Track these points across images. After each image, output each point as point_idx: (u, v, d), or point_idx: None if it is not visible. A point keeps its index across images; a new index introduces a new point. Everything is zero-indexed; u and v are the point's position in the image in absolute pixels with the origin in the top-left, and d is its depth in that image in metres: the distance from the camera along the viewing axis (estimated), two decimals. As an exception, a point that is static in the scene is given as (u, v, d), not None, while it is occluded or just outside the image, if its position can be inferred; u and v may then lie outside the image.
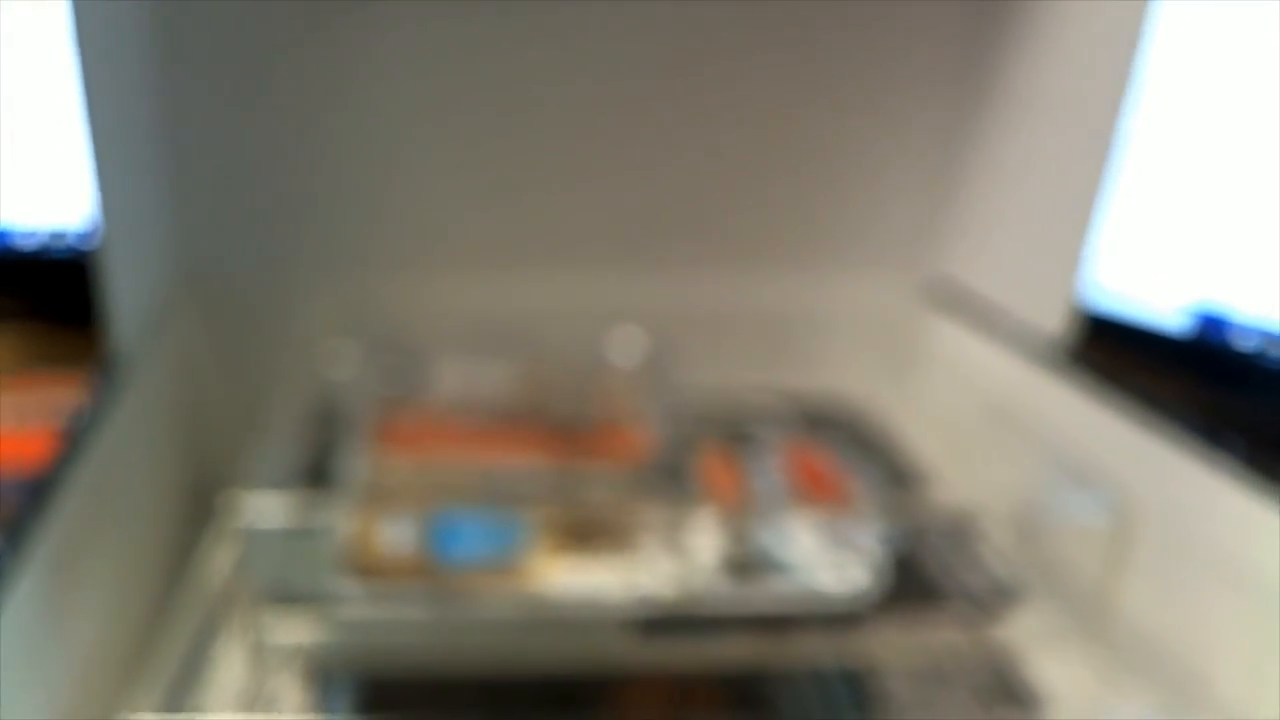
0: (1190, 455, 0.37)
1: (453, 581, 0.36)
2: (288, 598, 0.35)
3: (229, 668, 0.36)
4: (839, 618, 0.37)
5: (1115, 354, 0.46)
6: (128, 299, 0.41)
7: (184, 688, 0.34)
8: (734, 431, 0.47)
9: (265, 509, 0.34)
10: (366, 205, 0.50)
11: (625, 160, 0.51)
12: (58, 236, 0.50)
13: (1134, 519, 0.34)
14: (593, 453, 0.45)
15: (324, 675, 0.36)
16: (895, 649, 0.37)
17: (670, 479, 0.43)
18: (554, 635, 0.35)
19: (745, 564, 0.38)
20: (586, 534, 0.39)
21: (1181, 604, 0.36)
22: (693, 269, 0.54)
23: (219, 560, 0.36)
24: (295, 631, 0.36)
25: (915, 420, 0.51)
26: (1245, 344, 0.46)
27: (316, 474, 0.41)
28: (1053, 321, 0.48)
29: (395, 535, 0.37)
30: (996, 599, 0.37)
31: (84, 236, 0.46)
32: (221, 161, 0.49)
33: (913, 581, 0.38)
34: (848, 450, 0.46)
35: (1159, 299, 0.48)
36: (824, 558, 0.38)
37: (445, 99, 0.49)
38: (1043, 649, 0.37)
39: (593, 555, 0.38)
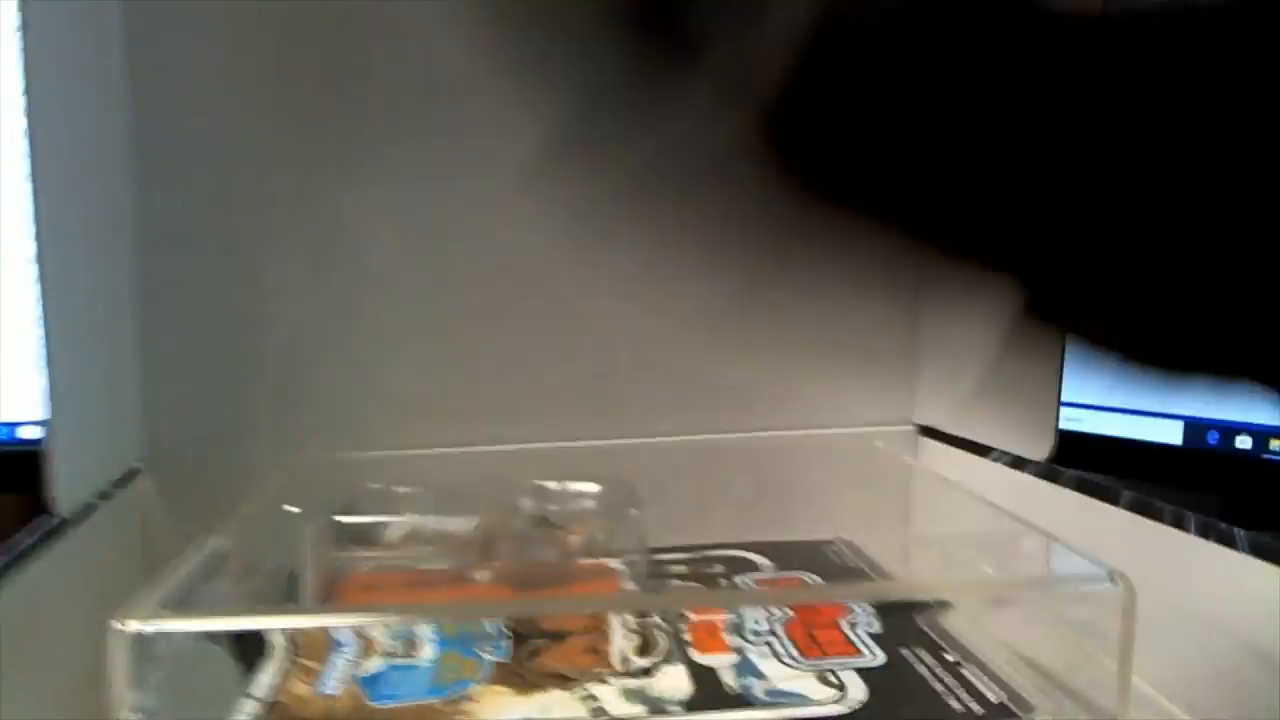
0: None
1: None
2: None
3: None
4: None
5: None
6: (75, 471, 0.40)
7: None
8: (710, 577, 0.44)
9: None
10: (337, 376, 0.50)
11: (599, 315, 0.52)
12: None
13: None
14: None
15: None
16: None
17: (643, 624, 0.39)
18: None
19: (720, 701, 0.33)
20: (542, 677, 0.35)
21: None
22: (666, 426, 0.52)
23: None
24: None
25: (909, 552, 0.48)
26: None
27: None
28: (1041, 450, 0.46)
29: (325, 681, 0.34)
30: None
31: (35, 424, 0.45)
32: (193, 336, 0.49)
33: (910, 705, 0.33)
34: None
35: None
36: (809, 685, 0.34)
37: (416, 262, 0.50)
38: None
39: (549, 694, 0.34)
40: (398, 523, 0.43)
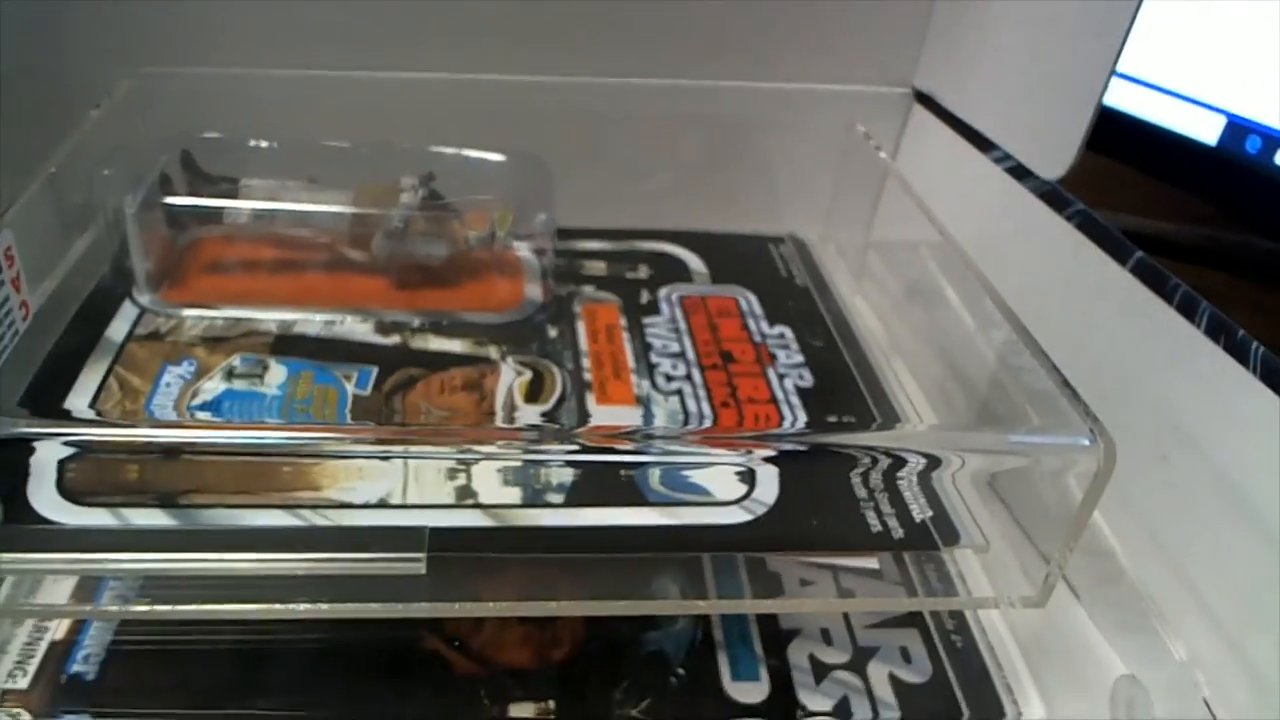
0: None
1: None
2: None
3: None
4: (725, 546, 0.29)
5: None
6: None
7: None
8: (632, 285, 0.38)
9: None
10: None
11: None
12: None
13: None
14: (444, 303, 0.35)
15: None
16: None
17: (539, 344, 0.34)
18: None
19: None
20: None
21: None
22: (607, 64, 0.42)
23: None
24: None
25: (875, 269, 0.41)
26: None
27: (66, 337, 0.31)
28: (1055, 167, 0.37)
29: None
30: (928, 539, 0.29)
31: None
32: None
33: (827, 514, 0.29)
34: (776, 317, 0.36)
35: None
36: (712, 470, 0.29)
37: None
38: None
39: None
40: (249, 191, 0.35)
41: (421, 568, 0.26)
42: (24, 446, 0.23)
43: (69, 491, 0.25)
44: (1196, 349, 0.30)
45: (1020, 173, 0.39)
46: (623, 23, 0.41)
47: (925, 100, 0.45)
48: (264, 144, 0.36)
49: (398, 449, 0.26)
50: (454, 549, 0.26)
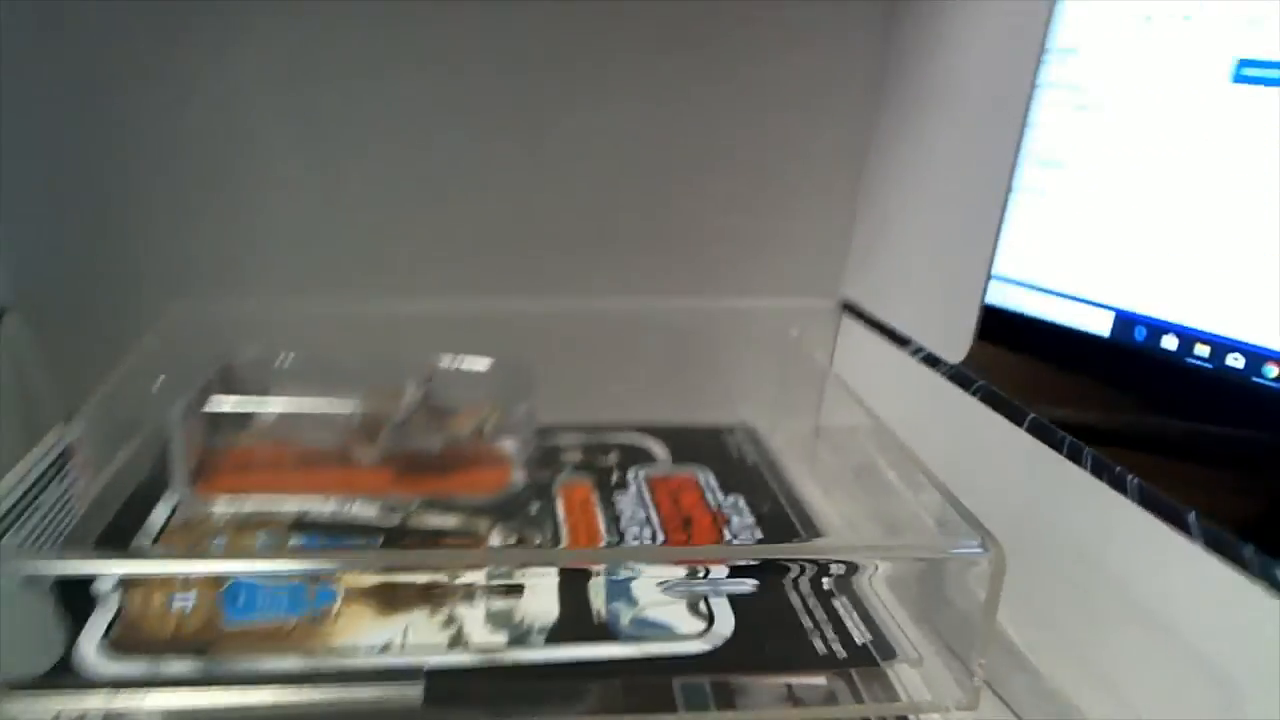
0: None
1: (237, 642, 0.31)
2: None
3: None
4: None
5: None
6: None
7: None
8: (604, 469, 0.43)
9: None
10: (208, 222, 0.46)
11: (496, 173, 0.47)
12: None
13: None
14: (439, 488, 0.40)
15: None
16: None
17: (522, 519, 0.39)
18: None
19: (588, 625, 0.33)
20: (408, 594, 0.34)
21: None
22: (576, 292, 0.49)
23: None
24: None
25: (816, 450, 0.47)
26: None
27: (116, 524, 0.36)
28: (956, 353, 0.44)
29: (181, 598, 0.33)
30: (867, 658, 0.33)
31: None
32: (54, 174, 0.44)
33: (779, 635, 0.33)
34: (730, 489, 0.42)
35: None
36: (678, 613, 0.33)
37: (295, 108, 0.45)
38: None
39: (411, 614, 0.33)
40: (274, 401, 0.41)
41: (419, 695, 0.29)
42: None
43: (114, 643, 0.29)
44: (1086, 486, 0.36)
45: (932, 360, 0.46)
46: (593, 251, 0.49)
47: (850, 309, 0.52)
48: (289, 360, 0.42)
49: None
50: (449, 684, 0.30)
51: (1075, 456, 0.37)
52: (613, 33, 0.46)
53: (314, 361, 0.43)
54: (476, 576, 0.30)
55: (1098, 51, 0.40)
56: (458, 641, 0.32)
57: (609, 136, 0.47)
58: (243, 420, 0.41)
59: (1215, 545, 0.30)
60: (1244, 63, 0.36)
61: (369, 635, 0.32)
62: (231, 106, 0.44)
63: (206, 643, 0.31)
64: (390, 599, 0.34)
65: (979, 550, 0.29)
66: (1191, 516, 0.33)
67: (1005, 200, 0.42)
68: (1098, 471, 0.36)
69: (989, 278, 0.43)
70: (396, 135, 0.45)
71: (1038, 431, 0.39)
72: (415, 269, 0.47)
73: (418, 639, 0.32)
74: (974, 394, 0.43)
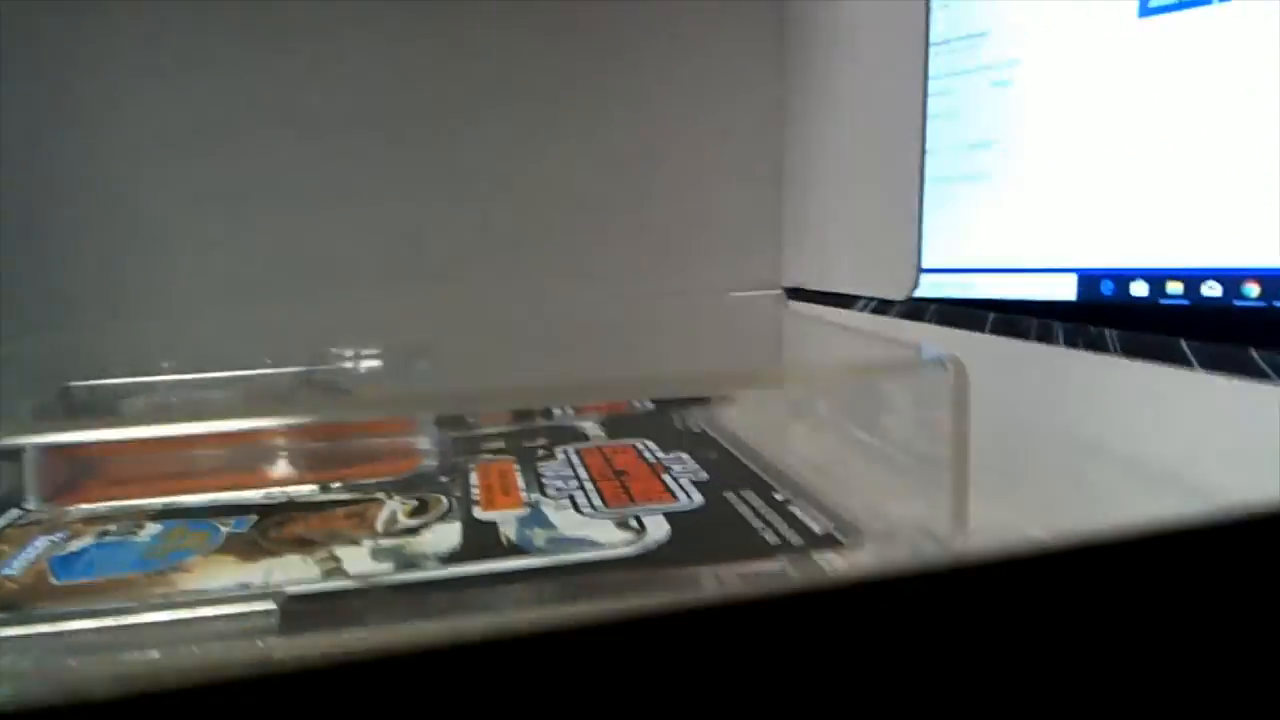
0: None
1: (66, 595, 0.25)
2: None
3: None
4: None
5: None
6: None
7: None
8: (529, 448, 0.38)
9: None
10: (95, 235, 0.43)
11: (410, 175, 0.45)
12: None
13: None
14: (342, 478, 0.35)
15: None
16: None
17: (428, 489, 0.33)
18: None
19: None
20: (280, 544, 0.29)
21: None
22: (495, 288, 0.46)
23: None
24: None
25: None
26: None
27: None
28: (903, 288, 0.41)
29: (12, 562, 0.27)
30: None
31: None
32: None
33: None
34: (671, 450, 0.36)
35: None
36: (603, 529, 0.28)
37: (194, 109, 0.43)
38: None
39: (278, 558, 0.27)
40: (143, 391, 0.36)
41: (274, 623, 0.23)
42: None
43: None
44: (1068, 359, 0.31)
45: (883, 308, 0.42)
46: (522, 260, 0.46)
47: (794, 292, 0.49)
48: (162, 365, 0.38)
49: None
50: (315, 607, 0.24)
51: (1046, 336, 0.33)
52: (516, 38, 0.45)
53: (189, 359, 0.38)
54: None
55: (1006, 27, 0.40)
56: (333, 575, 0.26)
57: (531, 145, 0.46)
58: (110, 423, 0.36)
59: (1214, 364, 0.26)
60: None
61: (222, 581, 0.26)
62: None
63: (29, 600, 0.25)
64: (254, 550, 0.28)
65: (937, 361, 0.25)
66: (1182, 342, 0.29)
67: (922, 129, 0.40)
68: (1072, 342, 0.32)
69: (920, 206, 0.40)
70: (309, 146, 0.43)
71: (1003, 328, 0.35)
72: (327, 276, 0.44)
73: (286, 576, 0.26)
74: (930, 320, 0.39)
